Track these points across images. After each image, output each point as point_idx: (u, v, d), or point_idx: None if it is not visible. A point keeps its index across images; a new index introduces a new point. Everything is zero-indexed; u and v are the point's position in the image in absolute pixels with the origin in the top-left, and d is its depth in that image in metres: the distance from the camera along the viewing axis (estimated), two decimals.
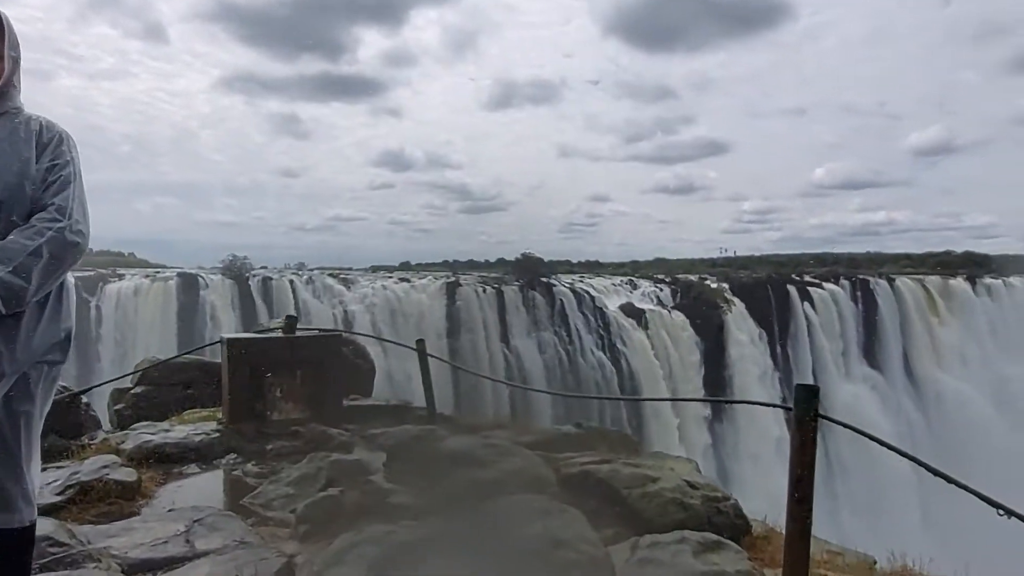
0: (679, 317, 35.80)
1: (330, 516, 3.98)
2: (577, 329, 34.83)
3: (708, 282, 38.31)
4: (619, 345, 34.51)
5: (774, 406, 4.26)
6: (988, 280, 37.58)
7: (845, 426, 3.93)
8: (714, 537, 3.88)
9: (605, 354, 34.22)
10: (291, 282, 32.70)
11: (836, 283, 37.14)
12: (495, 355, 33.57)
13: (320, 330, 7.67)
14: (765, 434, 31.60)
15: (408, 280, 36.10)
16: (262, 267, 35.39)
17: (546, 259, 40.19)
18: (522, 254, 39.01)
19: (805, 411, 3.67)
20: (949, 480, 3.71)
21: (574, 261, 51.27)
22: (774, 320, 36.17)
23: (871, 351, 35.59)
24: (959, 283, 37.06)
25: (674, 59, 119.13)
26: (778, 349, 35.83)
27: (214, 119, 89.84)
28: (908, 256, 46.99)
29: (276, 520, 4.24)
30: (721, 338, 35.12)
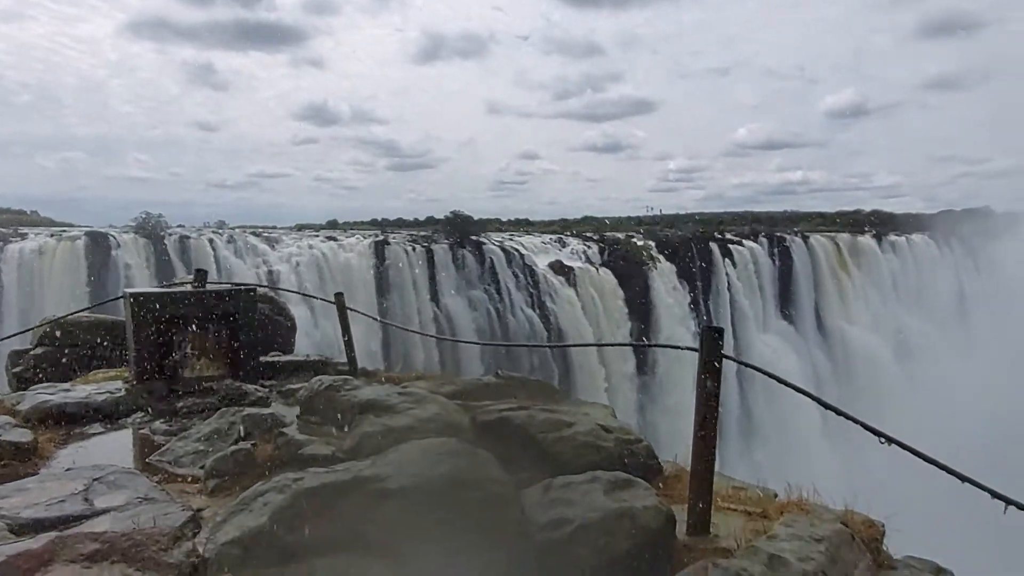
0: (607, 274, 36.49)
1: (241, 469, 3.90)
2: (507, 287, 35.03)
3: (635, 240, 39.08)
4: (548, 303, 34.96)
5: (682, 348, 4.41)
6: (893, 237, 39.96)
7: (747, 365, 4.13)
8: (624, 476, 4.02)
9: (535, 311, 34.63)
10: (211, 241, 31.40)
11: (755, 241, 38.61)
12: (425, 314, 33.44)
13: (233, 284, 7.40)
14: (690, 388, 32.88)
15: (335, 239, 35.27)
16: (179, 226, 33.81)
17: (476, 217, 40.06)
18: (452, 212, 38.69)
19: (710, 352, 3.82)
20: (838, 412, 3.97)
21: (504, 219, 51.29)
22: (697, 277, 37.40)
23: (786, 305, 37.41)
24: (867, 240, 39.24)
25: (602, 14, 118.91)
26: (701, 304, 37.15)
27: (123, 68, 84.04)
28: (821, 215, 49.41)
29: (185, 476, 4.13)
30: (647, 295, 36.09)
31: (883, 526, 5.12)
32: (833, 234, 39.91)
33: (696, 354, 3.99)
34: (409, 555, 2.49)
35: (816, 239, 38.86)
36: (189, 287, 6.44)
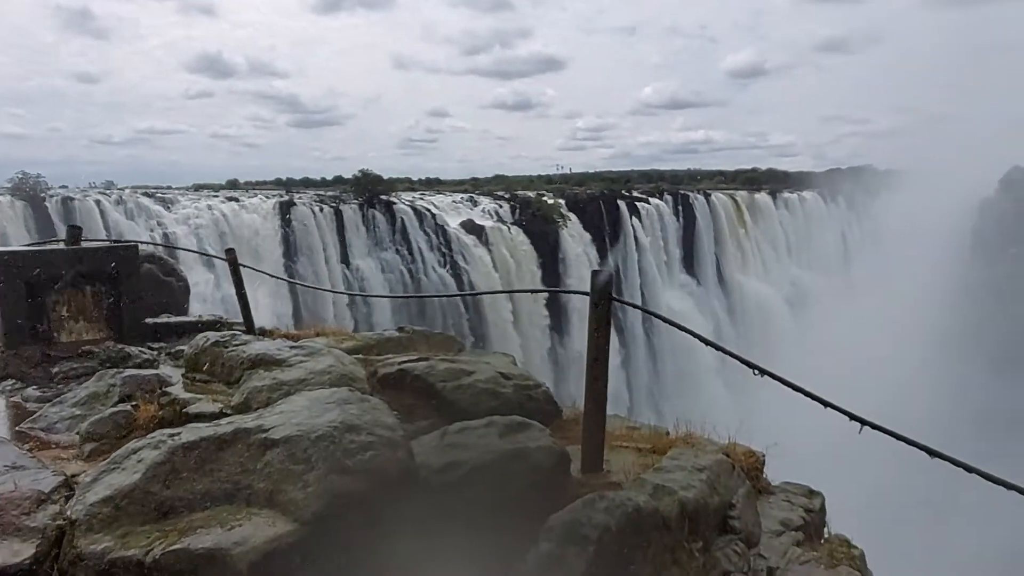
0: (518, 233, 36.72)
1: (121, 432, 3.71)
2: (419, 247, 34.65)
3: (545, 198, 39.42)
4: (461, 262, 34.89)
5: (575, 292, 4.49)
6: (787, 194, 42.24)
7: (634, 306, 4.29)
8: (520, 419, 4.11)
9: (447, 271, 34.50)
10: (98, 203, 29.20)
11: (661, 199, 39.81)
12: (336, 276, 32.65)
13: (112, 241, 6.92)
14: None
15: (237, 199, 33.60)
16: (61, 186, 31.28)
17: (385, 176, 39.14)
18: (360, 171, 37.60)
19: (600, 295, 3.92)
20: (716, 347, 4.20)
21: (415, 178, 50.50)
22: (606, 234, 38.28)
23: (690, 260, 39.01)
24: (763, 197, 41.31)
25: None
26: (610, 261, 38.13)
27: None
28: (722, 173, 51.69)
29: (59, 442, 3.89)
30: (557, 252, 36.67)
31: (763, 456, 5.51)
32: (732, 191, 41.74)
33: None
34: (292, 503, 2.45)
35: (717, 197, 40.49)
36: (63, 245, 5.97)
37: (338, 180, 45.94)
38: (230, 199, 33.69)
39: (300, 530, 2.39)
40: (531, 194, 40.46)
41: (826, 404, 3.55)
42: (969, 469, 3.20)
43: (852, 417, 3.46)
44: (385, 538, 2.68)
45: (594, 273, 3.89)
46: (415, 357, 5.05)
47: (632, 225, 38.36)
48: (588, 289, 3.98)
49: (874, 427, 3.43)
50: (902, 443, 3.35)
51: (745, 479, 4.73)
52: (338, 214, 33.36)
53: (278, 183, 49.10)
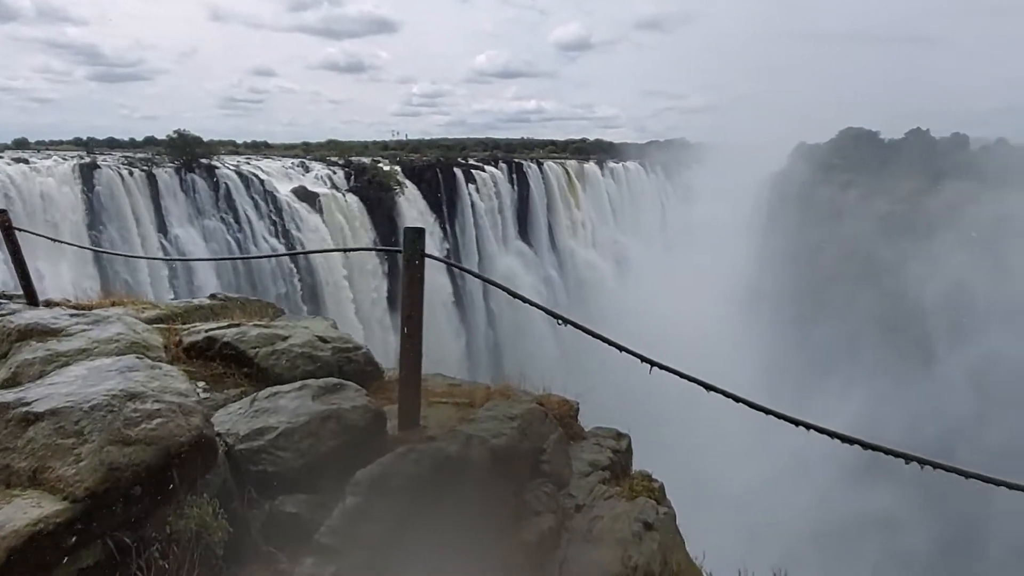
0: (354, 200, 35.62)
1: None
2: (246, 215, 32.46)
3: (382, 165, 38.53)
4: (293, 231, 33.22)
5: (386, 250, 4.45)
6: (612, 164, 44.78)
7: (446, 263, 4.36)
8: (335, 381, 4.06)
9: (279, 240, 32.71)
10: None
11: (496, 166, 40.46)
12: (151, 246, 29.70)
13: None
14: (435, 304, 34.19)
15: (26, 160, 29.29)
16: None
17: (205, 138, 35.98)
18: (175, 132, 34.24)
19: (412, 251, 3.91)
20: (532, 304, 4.41)
21: (239, 142, 47.02)
22: (443, 201, 38.30)
23: (524, 227, 40.21)
24: (591, 167, 43.44)
25: None
26: (448, 228, 38.30)
27: None
28: (553, 142, 53.58)
29: None
30: (395, 220, 36.12)
31: (577, 404, 5.90)
32: (563, 160, 43.45)
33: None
34: (61, 481, 2.25)
35: (549, 166, 41.92)
36: None
37: (150, 141, 41.60)
38: (18, 160, 29.31)
39: (71, 509, 2.20)
40: (366, 160, 39.33)
41: (621, 348, 3.84)
42: (737, 399, 3.63)
43: (643, 359, 3.78)
44: (180, 510, 2.55)
45: (406, 230, 3.88)
46: (225, 324, 4.78)
47: (469, 192, 38.70)
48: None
49: (661, 367, 3.75)
50: (696, 385, 3.72)
51: (557, 426, 5.06)
52: (151, 178, 30.23)
53: (77, 143, 43.49)
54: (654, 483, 5.63)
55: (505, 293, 4.38)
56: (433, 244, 37.15)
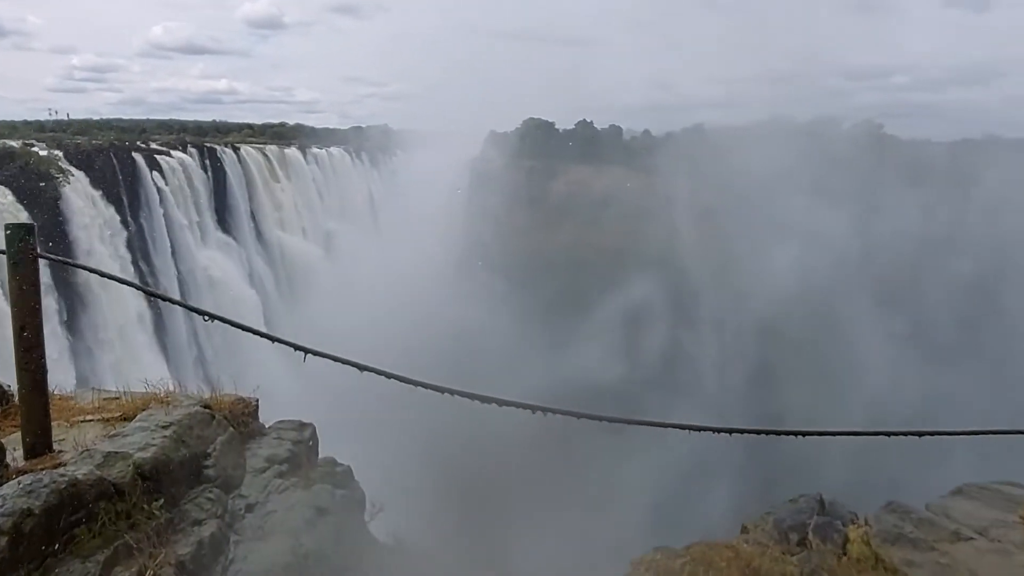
0: (4, 192, 29.51)
1: None
2: None
3: (36, 149, 32.44)
4: None
5: None
6: (315, 150, 43.56)
7: (65, 262, 3.99)
8: None
9: None
10: None
11: (185, 152, 36.70)
12: None
13: None
14: (125, 314, 30.23)
15: None
16: None
17: None
18: None
19: (20, 252, 3.42)
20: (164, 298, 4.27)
21: None
22: (123, 191, 33.65)
23: (224, 217, 37.22)
24: (293, 152, 41.70)
25: None
26: (131, 222, 33.78)
27: None
28: (250, 126, 50.08)
29: None
30: (61, 213, 30.75)
31: (255, 401, 5.84)
32: (262, 145, 40.99)
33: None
34: None
35: (247, 150, 39.22)
36: None
37: None
38: None
39: None
40: (15, 143, 32.74)
41: (273, 339, 3.89)
42: (389, 376, 3.93)
43: (296, 347, 3.87)
44: None
45: (7, 227, 3.38)
46: None
47: (154, 180, 34.53)
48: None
49: (315, 354, 3.86)
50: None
51: (228, 426, 4.98)
52: None
53: None
54: (338, 468, 5.81)
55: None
56: (113, 242, 32.51)
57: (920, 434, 3.70)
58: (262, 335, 3.89)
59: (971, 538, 4.74)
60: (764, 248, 43.36)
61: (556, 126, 55.50)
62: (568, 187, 51.46)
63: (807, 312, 40.49)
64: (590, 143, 53.05)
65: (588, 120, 55.37)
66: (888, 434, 3.70)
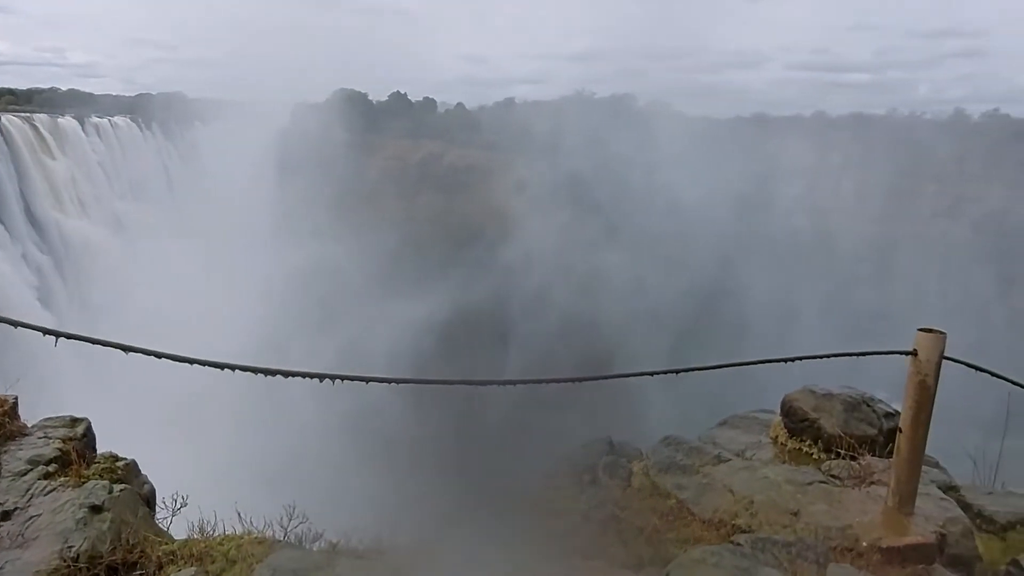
0: None
1: None
2: None
3: None
4: None
5: None
6: (96, 120, 38.93)
7: None
8: None
9: None
10: None
11: None
12: None
13: None
14: None
15: None
16: None
17: None
18: None
19: None
20: None
21: None
22: None
23: None
24: (69, 122, 36.96)
25: None
26: None
27: None
28: (12, 92, 43.66)
29: None
30: None
31: (14, 398, 5.65)
32: (29, 115, 35.97)
33: None
34: None
35: (10, 120, 34.17)
36: None
37: None
38: None
39: None
40: None
41: (46, 332, 3.94)
42: (159, 355, 4.06)
43: (45, 332, 3.86)
44: None
45: None
46: None
47: None
48: None
49: (69, 337, 3.86)
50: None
51: None
52: None
53: None
54: (120, 462, 5.61)
55: None
56: None
57: (677, 371, 4.72)
58: (36, 328, 3.87)
59: (729, 460, 5.64)
60: (578, 222, 46.72)
61: (369, 97, 54.66)
62: (387, 162, 51.23)
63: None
64: (404, 115, 52.92)
65: (402, 92, 55.14)
66: (651, 373, 4.68)
